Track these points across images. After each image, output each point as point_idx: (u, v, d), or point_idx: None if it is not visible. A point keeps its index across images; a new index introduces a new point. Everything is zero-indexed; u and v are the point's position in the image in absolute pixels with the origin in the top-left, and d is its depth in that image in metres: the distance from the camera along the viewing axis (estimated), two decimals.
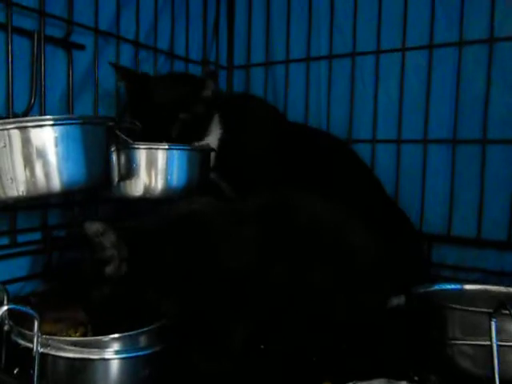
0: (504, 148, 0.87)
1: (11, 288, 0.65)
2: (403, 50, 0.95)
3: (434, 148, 0.94)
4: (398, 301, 0.75)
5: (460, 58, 0.89)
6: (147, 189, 0.71)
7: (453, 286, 0.74)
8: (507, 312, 0.53)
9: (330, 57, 1.03)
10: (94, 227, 0.54)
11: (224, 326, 0.59)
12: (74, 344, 0.47)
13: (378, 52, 0.97)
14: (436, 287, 0.73)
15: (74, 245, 0.76)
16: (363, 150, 0.97)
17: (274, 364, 0.61)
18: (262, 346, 0.64)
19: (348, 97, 1.01)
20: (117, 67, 0.84)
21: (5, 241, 0.73)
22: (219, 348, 0.58)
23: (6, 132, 0.52)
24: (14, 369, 0.50)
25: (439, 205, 0.93)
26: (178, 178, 0.72)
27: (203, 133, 0.84)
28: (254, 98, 1.04)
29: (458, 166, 0.91)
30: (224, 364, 0.58)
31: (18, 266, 0.75)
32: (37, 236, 0.78)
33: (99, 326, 0.54)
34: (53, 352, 0.47)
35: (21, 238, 0.75)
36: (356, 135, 1.00)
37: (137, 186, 0.70)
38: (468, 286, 0.73)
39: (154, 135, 0.75)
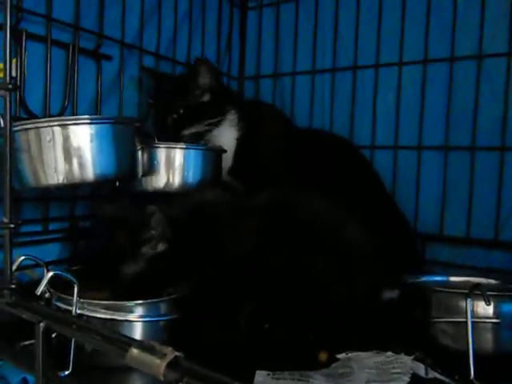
0: (490, 154, 0.95)
1: (40, 272, 0.74)
2: (400, 64, 1.03)
3: (427, 154, 1.02)
4: (392, 294, 0.82)
5: (451, 72, 0.98)
6: (166, 184, 0.79)
7: (439, 278, 0.82)
8: (480, 292, 0.60)
9: (333, 70, 1.12)
10: (150, 208, 0.63)
11: (230, 303, 0.66)
12: (105, 307, 0.56)
13: (376, 66, 1.06)
14: (424, 278, 0.81)
15: (98, 234, 0.85)
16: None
17: (276, 340, 0.69)
18: (267, 325, 0.72)
19: (349, 106, 1.10)
20: (148, 69, 0.96)
21: (38, 228, 0.82)
22: (226, 322, 0.66)
23: (50, 129, 0.61)
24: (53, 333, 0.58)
25: (432, 206, 1.01)
26: (193, 175, 0.80)
27: (212, 118, 0.92)
28: (266, 104, 1.13)
29: (450, 171, 0.99)
30: (230, 336, 0.65)
31: (49, 252, 0.84)
32: (65, 225, 0.87)
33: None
34: (88, 313, 0.55)
35: (52, 227, 0.84)
36: (357, 141, 1.08)
37: (157, 181, 0.79)
38: (453, 278, 0.81)
39: (160, 127, 0.83)
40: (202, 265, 0.67)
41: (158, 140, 0.78)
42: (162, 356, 0.31)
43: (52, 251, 0.84)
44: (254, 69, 1.23)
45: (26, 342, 0.55)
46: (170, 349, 0.32)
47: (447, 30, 0.98)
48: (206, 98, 0.94)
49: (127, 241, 0.68)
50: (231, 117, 0.95)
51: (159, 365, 0.31)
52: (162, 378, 0.30)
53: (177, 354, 0.31)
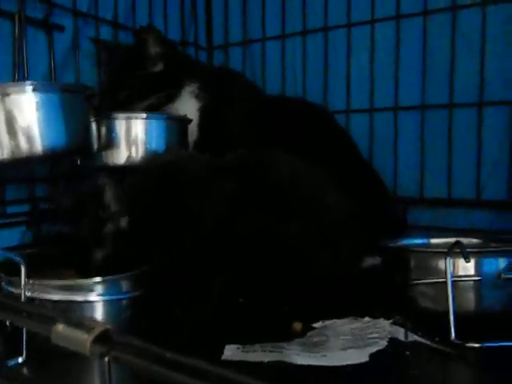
0: (469, 111, 0.91)
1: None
2: (372, 22, 0.99)
3: (404, 115, 0.98)
4: (373, 261, 0.79)
5: (425, 27, 0.94)
6: (127, 158, 0.75)
7: (420, 240, 0.79)
8: (459, 250, 0.57)
9: (303, 32, 1.07)
10: (100, 183, 0.58)
11: (202, 275, 0.63)
12: (60, 288, 0.51)
13: (348, 25, 1.01)
14: (404, 241, 0.78)
15: (60, 217, 0.80)
16: (338, 120, 1.01)
17: (249, 313, 0.66)
18: (241, 300, 0.69)
19: (322, 70, 1.05)
20: (95, 40, 0.89)
21: None
22: (198, 297, 0.63)
23: None
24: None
25: (412, 169, 0.98)
26: (156, 147, 0.75)
27: (166, 90, 0.86)
28: (232, 71, 1.08)
29: (428, 131, 0.96)
30: (201, 310, 0.62)
31: (8, 237, 0.79)
32: (25, 208, 0.82)
33: None
34: (40, 296, 0.51)
35: (10, 210, 0.79)
36: (331, 106, 1.04)
37: (118, 156, 0.74)
38: (434, 240, 0.78)
39: (111, 102, 0.78)
40: (170, 235, 0.63)
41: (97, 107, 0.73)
42: (90, 330, 0.27)
43: (12, 237, 0.79)
44: (222, 37, 1.18)
45: None
46: (101, 322, 0.28)
47: None
48: (158, 67, 0.87)
49: (88, 224, 0.64)
50: (190, 87, 0.89)
51: (86, 339, 0.27)
52: (88, 354, 0.26)
53: (107, 326, 0.27)
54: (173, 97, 0.88)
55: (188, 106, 0.88)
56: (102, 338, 0.27)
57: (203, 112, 0.89)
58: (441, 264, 0.59)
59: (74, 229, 0.69)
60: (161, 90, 0.86)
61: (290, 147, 0.88)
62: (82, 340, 0.27)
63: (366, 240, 0.79)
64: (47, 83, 0.63)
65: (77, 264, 0.64)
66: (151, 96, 0.86)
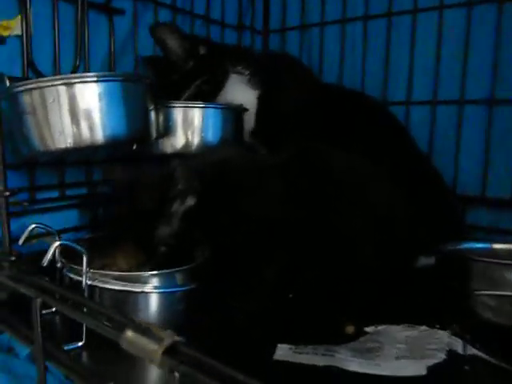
0: None
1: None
2: (441, 7, 0.93)
3: (470, 109, 0.92)
4: (427, 261, 0.76)
5: (500, 15, 0.87)
6: (184, 145, 0.75)
7: (482, 245, 0.75)
8: None
9: (365, 17, 1.02)
10: (173, 163, 0.60)
11: (254, 268, 0.62)
12: (118, 278, 0.52)
13: (414, 11, 0.96)
14: (465, 245, 0.74)
15: (118, 199, 0.82)
16: (398, 111, 0.97)
17: (301, 311, 0.65)
18: (291, 295, 0.68)
19: (383, 58, 1.00)
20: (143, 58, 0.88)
21: (55, 194, 0.80)
22: (250, 289, 0.62)
23: (54, 88, 0.57)
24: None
25: (474, 166, 0.92)
26: (213, 135, 0.75)
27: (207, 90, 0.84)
28: (292, 58, 1.04)
29: (495, 127, 0.90)
30: (254, 305, 0.61)
31: (67, 219, 0.81)
32: (83, 191, 0.84)
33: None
34: (100, 284, 0.52)
35: (69, 193, 0.82)
36: (391, 97, 1.00)
37: (175, 143, 0.74)
38: (497, 245, 0.74)
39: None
40: (224, 226, 0.63)
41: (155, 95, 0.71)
42: (160, 341, 0.27)
43: (71, 218, 0.82)
44: (279, 21, 1.14)
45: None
46: (170, 332, 0.27)
47: None
48: (189, 65, 0.84)
49: (153, 203, 0.65)
50: (238, 75, 0.86)
51: (156, 351, 0.27)
52: (158, 366, 0.26)
53: (176, 338, 0.27)
54: (218, 84, 0.85)
55: (241, 93, 0.86)
56: (172, 351, 0.26)
57: (259, 99, 0.87)
58: (506, 275, 0.56)
59: (136, 207, 0.70)
60: (200, 90, 0.84)
61: (345, 139, 0.85)
62: (153, 351, 0.27)
63: (422, 238, 0.76)
64: (109, 73, 0.64)
65: (142, 241, 0.66)
66: (190, 86, 0.83)
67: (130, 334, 0.28)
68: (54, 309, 0.55)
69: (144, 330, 0.28)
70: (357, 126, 0.88)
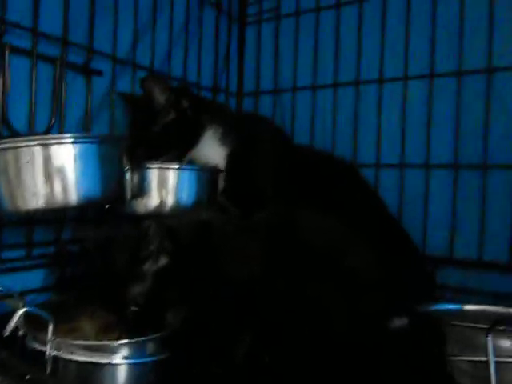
0: (504, 173, 0.89)
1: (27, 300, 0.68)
2: (405, 79, 0.99)
3: (436, 173, 0.97)
4: (400, 322, 0.76)
5: (459, 86, 0.93)
6: (158, 206, 0.74)
7: (453, 306, 0.75)
8: (503, 328, 0.54)
9: (334, 85, 1.07)
10: (147, 222, 0.58)
11: (228, 336, 0.61)
12: (85, 348, 0.50)
13: (380, 81, 1.02)
14: (436, 307, 0.75)
15: (86, 259, 0.79)
16: (367, 174, 1.00)
17: (276, 377, 0.63)
18: (267, 360, 0.66)
19: (352, 123, 1.05)
20: (120, 94, 0.89)
21: (21, 253, 0.76)
22: (223, 358, 0.60)
23: (29, 149, 0.56)
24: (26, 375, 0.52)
25: (442, 228, 0.95)
26: (187, 196, 0.75)
27: (184, 140, 0.85)
28: (258, 115, 1.08)
29: (460, 190, 0.94)
30: (225, 375, 0.59)
31: (33, 279, 0.78)
32: (51, 250, 0.81)
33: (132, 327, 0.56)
34: (64, 356, 0.49)
35: (36, 252, 0.78)
36: (361, 159, 1.03)
37: (148, 203, 0.74)
38: (468, 307, 0.74)
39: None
40: (197, 290, 0.62)
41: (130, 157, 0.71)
42: None
43: (37, 278, 0.78)
44: (253, 85, 1.19)
45: None
46: None
47: (454, 42, 0.94)
48: (171, 116, 0.85)
49: (124, 262, 0.63)
50: (212, 132, 0.88)
51: None
52: None
53: None
54: (193, 144, 0.87)
55: (212, 151, 0.87)
56: None
57: (229, 158, 0.88)
58: (481, 340, 0.56)
59: (106, 267, 0.68)
60: (178, 141, 0.85)
61: (315, 201, 0.87)
62: None
63: (394, 299, 0.76)
64: (85, 135, 0.64)
65: (111, 302, 0.63)
66: (170, 149, 0.84)
67: None
68: None
69: None
70: (327, 187, 0.90)
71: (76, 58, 0.83)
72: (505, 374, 0.56)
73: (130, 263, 0.64)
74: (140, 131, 0.85)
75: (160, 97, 0.86)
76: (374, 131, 1.02)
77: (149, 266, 0.62)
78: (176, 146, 0.85)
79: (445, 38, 0.95)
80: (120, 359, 0.50)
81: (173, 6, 1.02)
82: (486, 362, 0.54)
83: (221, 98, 1.16)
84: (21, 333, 0.53)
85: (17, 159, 0.56)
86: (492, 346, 0.54)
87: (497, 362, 0.53)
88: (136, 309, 0.61)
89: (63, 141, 0.58)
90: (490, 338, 0.54)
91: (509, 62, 0.90)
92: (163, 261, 0.62)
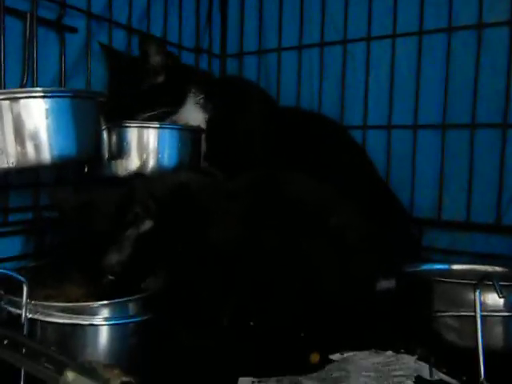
0: (492, 132, 0.88)
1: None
2: (393, 36, 0.96)
3: (424, 133, 0.95)
4: (388, 284, 0.76)
5: (449, 43, 0.91)
6: (138, 168, 0.71)
7: (441, 266, 0.75)
8: (490, 283, 0.54)
9: (321, 44, 1.04)
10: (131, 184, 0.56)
11: (212, 299, 0.59)
12: (63, 310, 0.48)
13: (368, 39, 0.98)
14: (424, 267, 0.74)
15: (66, 225, 0.76)
16: (355, 136, 0.98)
17: (263, 339, 0.62)
18: (252, 323, 0.65)
19: (339, 83, 1.02)
20: (103, 45, 0.86)
21: None
22: (206, 323, 0.59)
23: None
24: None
25: (429, 189, 0.94)
26: (169, 157, 0.72)
27: (168, 101, 0.84)
28: (242, 80, 1.05)
29: (448, 151, 0.92)
30: (209, 339, 0.58)
31: (10, 246, 0.75)
32: (28, 216, 0.78)
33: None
34: (42, 318, 0.47)
35: (12, 218, 0.75)
36: (348, 121, 1.01)
37: (128, 165, 0.71)
38: (455, 266, 0.74)
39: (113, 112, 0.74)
40: (181, 254, 0.60)
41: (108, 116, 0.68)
42: (105, 382, 0.23)
43: (14, 245, 0.76)
44: (236, 46, 1.15)
45: None
46: (117, 371, 0.24)
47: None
48: (160, 78, 0.85)
49: (105, 227, 0.61)
50: (195, 97, 0.87)
51: None
52: None
53: (123, 379, 0.24)
54: (174, 107, 0.85)
55: (193, 115, 0.86)
56: None
57: (210, 123, 0.87)
58: (469, 296, 0.56)
59: (86, 232, 0.65)
60: (163, 102, 0.84)
61: (303, 162, 0.85)
62: None
63: (381, 262, 0.76)
64: (57, 89, 0.60)
65: (90, 269, 0.61)
66: (154, 108, 0.83)
67: (70, 375, 0.24)
68: None
69: (87, 370, 0.24)
70: (315, 149, 0.88)
71: (49, 13, 0.79)
72: (490, 327, 0.55)
73: (110, 228, 0.61)
74: (121, 88, 0.82)
75: (154, 57, 0.85)
76: (362, 92, 1.00)
77: (131, 231, 0.60)
78: (159, 107, 0.83)
79: None
80: (101, 320, 0.48)
81: None
82: (474, 317, 0.53)
83: (203, 59, 1.12)
84: None
85: None
86: (479, 301, 0.53)
87: (483, 316, 0.53)
88: (113, 278, 0.59)
89: (33, 94, 0.54)
90: (477, 293, 0.53)
91: (498, 17, 0.87)
92: (147, 225, 0.60)
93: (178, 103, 0.86)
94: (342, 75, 1.02)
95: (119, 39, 0.92)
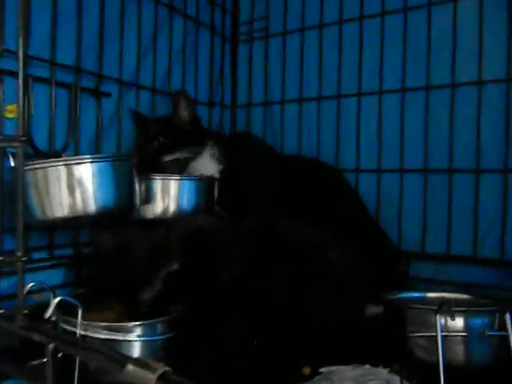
0: (467, 176, 1.01)
1: (45, 295, 0.80)
2: (380, 92, 1.11)
3: (409, 176, 1.09)
4: (376, 310, 0.88)
5: (427, 99, 1.05)
6: (162, 212, 0.86)
7: (417, 294, 0.87)
8: (449, 308, 0.66)
9: (318, 98, 1.19)
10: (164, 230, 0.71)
11: (222, 322, 0.72)
12: (106, 328, 0.62)
13: (359, 94, 1.14)
14: (402, 295, 0.86)
15: (100, 260, 0.91)
16: (349, 178, 1.12)
17: (263, 357, 0.74)
18: (255, 342, 0.78)
19: (335, 132, 1.17)
20: (131, 110, 1.03)
21: (44, 254, 0.88)
22: (219, 340, 0.72)
23: (56, 168, 0.68)
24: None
25: (415, 226, 1.07)
26: (187, 203, 0.87)
27: (193, 146, 1.01)
28: (252, 137, 1.20)
29: (430, 192, 1.06)
30: (222, 352, 0.71)
31: (54, 277, 0.90)
32: (69, 252, 0.93)
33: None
34: (91, 334, 0.61)
35: (57, 253, 0.90)
36: (343, 164, 1.15)
37: (154, 209, 0.86)
38: (430, 294, 0.86)
39: (139, 156, 0.91)
40: (198, 289, 0.74)
41: (138, 170, 0.83)
42: (154, 370, 0.37)
43: (57, 276, 0.90)
44: (245, 98, 1.31)
45: (35, 362, 0.61)
46: (161, 364, 0.38)
47: (423, 60, 1.05)
48: (187, 127, 1.01)
49: (137, 265, 0.75)
50: (211, 150, 1.03)
51: (151, 378, 0.37)
52: None
53: (166, 368, 0.37)
54: (197, 153, 1.01)
55: (208, 166, 1.01)
56: (163, 378, 0.36)
57: (223, 173, 1.02)
58: (433, 319, 0.68)
59: (120, 268, 0.79)
60: (187, 148, 1.00)
61: (304, 209, 0.99)
62: (148, 379, 0.37)
63: (371, 291, 0.88)
64: (101, 156, 0.75)
65: (125, 299, 0.75)
66: (178, 150, 0.99)
67: (130, 367, 0.38)
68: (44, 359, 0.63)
69: (141, 363, 0.38)
70: (313, 194, 1.02)
71: (88, 82, 0.95)
72: (451, 346, 0.67)
73: (142, 268, 0.75)
74: (154, 132, 0.99)
75: (184, 110, 1.02)
76: (354, 140, 1.14)
77: (162, 273, 0.74)
78: (183, 151, 0.99)
79: (414, 57, 1.07)
80: (134, 337, 0.62)
81: (171, 30, 1.13)
82: (435, 337, 0.65)
83: (216, 110, 1.28)
84: (53, 318, 0.65)
85: (46, 176, 0.68)
86: (439, 324, 0.65)
87: (444, 336, 0.65)
88: (146, 309, 0.73)
89: (83, 161, 0.69)
90: (438, 317, 0.65)
91: (470, 78, 1.01)
92: (174, 267, 0.74)
93: (198, 152, 1.01)
94: (337, 125, 1.16)
95: (145, 98, 1.08)
